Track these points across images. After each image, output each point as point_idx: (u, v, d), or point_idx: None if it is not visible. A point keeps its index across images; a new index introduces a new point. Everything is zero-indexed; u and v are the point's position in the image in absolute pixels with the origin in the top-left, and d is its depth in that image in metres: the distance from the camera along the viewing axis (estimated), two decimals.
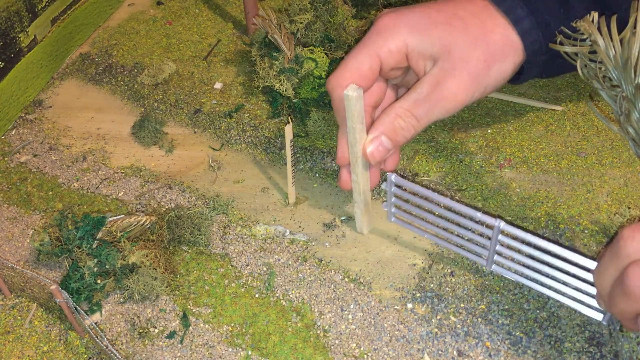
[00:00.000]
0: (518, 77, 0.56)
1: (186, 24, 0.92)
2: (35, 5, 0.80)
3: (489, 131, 0.71)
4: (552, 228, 0.61)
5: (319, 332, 0.55)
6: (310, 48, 0.75)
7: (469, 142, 0.70)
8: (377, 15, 0.79)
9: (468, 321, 0.54)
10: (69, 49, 0.87)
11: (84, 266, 0.57)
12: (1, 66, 0.76)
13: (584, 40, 0.46)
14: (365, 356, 0.53)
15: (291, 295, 0.57)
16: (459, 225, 0.55)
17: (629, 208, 0.61)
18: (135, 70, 0.84)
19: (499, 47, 0.52)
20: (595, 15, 0.45)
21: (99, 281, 0.57)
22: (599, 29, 0.45)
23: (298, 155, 0.71)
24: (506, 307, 0.55)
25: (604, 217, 0.61)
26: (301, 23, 0.76)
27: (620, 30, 0.44)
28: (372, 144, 0.54)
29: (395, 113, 0.53)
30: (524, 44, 0.52)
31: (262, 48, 0.76)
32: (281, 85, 0.73)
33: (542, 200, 0.63)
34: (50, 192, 0.69)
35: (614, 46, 0.44)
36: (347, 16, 0.79)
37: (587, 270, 0.48)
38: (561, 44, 0.47)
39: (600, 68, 0.45)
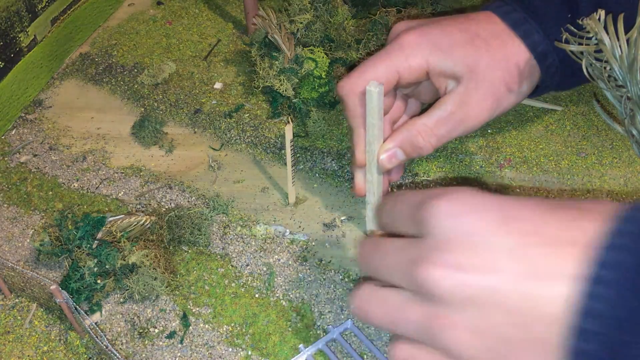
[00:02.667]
0: (533, 93, 0.57)
1: (186, 24, 0.92)
2: (35, 5, 0.80)
3: (489, 131, 0.71)
4: None
5: (319, 332, 0.55)
6: (310, 48, 0.75)
7: (469, 142, 0.70)
8: (379, 14, 0.79)
9: None
10: (69, 49, 0.87)
11: (84, 266, 0.57)
12: (1, 66, 0.76)
13: (590, 38, 0.46)
14: (365, 356, 0.53)
15: (291, 295, 0.57)
16: None
17: None
18: (135, 70, 0.84)
19: (519, 69, 0.53)
20: (602, 13, 0.45)
21: (99, 281, 0.57)
22: (605, 28, 0.44)
23: (298, 155, 0.71)
24: None
25: None
26: (301, 23, 0.76)
27: (627, 31, 0.44)
28: (386, 153, 0.53)
29: (417, 130, 0.53)
30: (540, 67, 0.53)
31: (262, 48, 0.75)
32: (281, 85, 0.73)
33: None
34: (50, 192, 0.69)
35: (620, 46, 0.44)
36: (347, 16, 0.79)
37: None
38: (567, 42, 0.47)
39: (605, 68, 0.45)
